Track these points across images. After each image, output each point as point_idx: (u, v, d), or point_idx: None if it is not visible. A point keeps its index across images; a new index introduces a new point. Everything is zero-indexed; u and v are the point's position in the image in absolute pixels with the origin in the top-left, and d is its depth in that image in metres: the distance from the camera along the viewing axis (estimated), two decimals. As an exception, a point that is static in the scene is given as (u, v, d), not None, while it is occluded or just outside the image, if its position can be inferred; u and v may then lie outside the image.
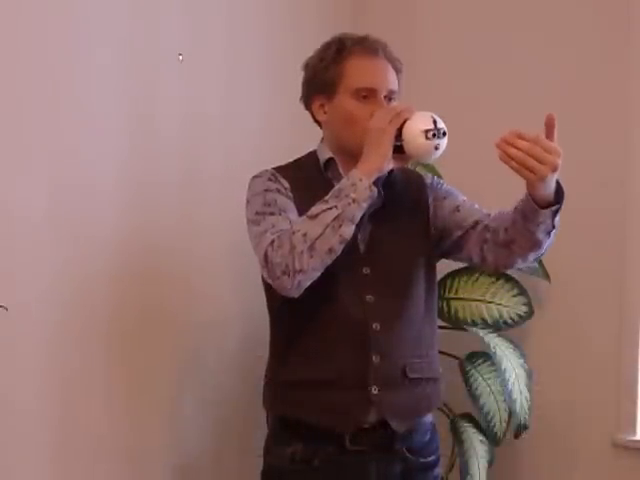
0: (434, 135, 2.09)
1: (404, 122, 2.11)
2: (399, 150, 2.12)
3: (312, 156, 2.33)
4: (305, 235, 2.06)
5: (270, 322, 2.32)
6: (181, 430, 2.77)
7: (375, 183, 2.14)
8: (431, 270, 2.32)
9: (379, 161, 2.12)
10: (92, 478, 2.47)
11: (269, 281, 2.11)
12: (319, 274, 2.10)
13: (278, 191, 2.21)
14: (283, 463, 2.24)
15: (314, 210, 2.10)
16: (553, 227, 2.08)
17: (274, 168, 2.28)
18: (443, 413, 3.10)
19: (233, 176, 2.91)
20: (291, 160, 2.34)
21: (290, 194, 2.21)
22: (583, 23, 3.24)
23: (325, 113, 2.27)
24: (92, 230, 2.45)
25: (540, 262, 3.11)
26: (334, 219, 2.07)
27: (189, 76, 2.74)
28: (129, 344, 2.57)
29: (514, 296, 3.16)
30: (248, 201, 2.24)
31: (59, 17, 2.33)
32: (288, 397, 2.24)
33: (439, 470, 2.36)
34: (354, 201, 2.08)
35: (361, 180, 2.09)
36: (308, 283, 2.09)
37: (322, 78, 2.25)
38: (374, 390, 2.19)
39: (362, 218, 2.18)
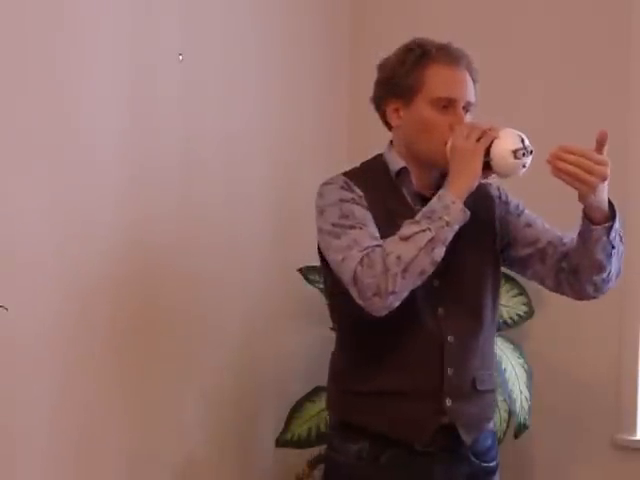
0: (523, 154, 2.10)
1: (492, 141, 2.11)
2: (485, 167, 2.13)
3: (380, 161, 2.29)
4: (399, 258, 2.04)
5: (343, 329, 2.28)
6: (182, 430, 2.77)
7: None
8: (497, 283, 2.31)
9: (470, 182, 2.12)
10: (93, 478, 2.47)
11: (359, 301, 2.07)
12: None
13: (354, 201, 2.16)
14: (349, 459, 2.23)
15: (406, 231, 2.07)
16: (612, 247, 2.14)
17: (344, 174, 2.24)
18: (443, 413, 3.10)
19: (234, 175, 2.92)
20: (357, 165, 2.30)
21: (365, 203, 2.16)
22: (584, 25, 3.25)
23: (399, 118, 2.23)
24: (93, 231, 2.45)
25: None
26: (428, 242, 2.06)
27: (189, 76, 2.74)
28: (130, 344, 2.57)
29: (514, 296, 3.16)
30: (322, 211, 2.18)
31: (59, 17, 2.33)
32: (360, 406, 2.22)
33: (498, 477, 2.37)
34: (447, 224, 2.07)
35: (454, 202, 2.08)
36: (398, 304, 2.08)
37: (401, 82, 2.21)
38: (448, 402, 2.20)
39: None
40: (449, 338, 2.21)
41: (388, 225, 2.16)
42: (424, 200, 2.23)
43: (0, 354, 2.21)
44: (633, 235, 3.18)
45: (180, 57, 2.69)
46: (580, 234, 2.16)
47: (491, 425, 2.36)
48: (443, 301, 2.20)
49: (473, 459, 2.27)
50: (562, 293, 2.33)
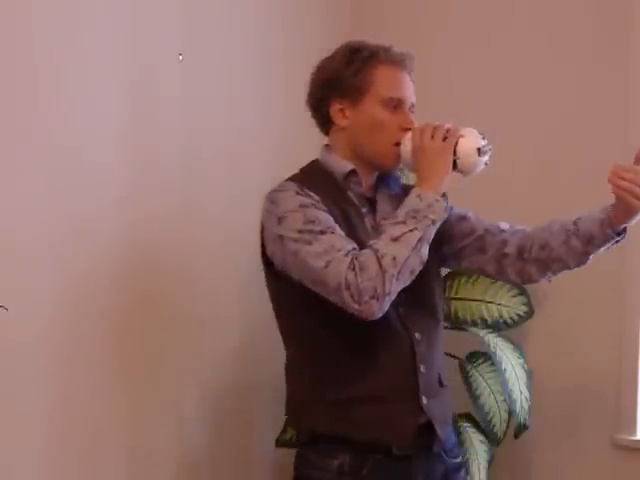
0: (485, 152, 2.16)
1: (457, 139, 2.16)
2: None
3: (318, 166, 2.29)
4: (395, 259, 2.04)
5: (308, 339, 2.25)
6: (182, 427, 2.77)
7: (391, 196, 2.24)
8: (441, 282, 2.37)
9: (444, 180, 2.15)
10: (92, 477, 2.47)
11: (352, 306, 2.04)
12: None
13: (314, 206, 2.13)
14: (330, 476, 2.20)
15: (395, 232, 2.07)
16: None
17: (293, 180, 2.22)
18: (443, 413, 3.10)
19: (234, 175, 2.92)
20: (297, 171, 2.30)
21: (324, 207, 2.15)
22: (584, 29, 3.25)
23: (346, 118, 2.24)
24: (93, 229, 2.45)
25: (540, 262, 3.11)
26: (418, 241, 2.07)
27: (189, 76, 2.74)
28: (129, 343, 2.57)
29: (514, 296, 3.16)
30: (282, 218, 2.13)
31: (60, 17, 2.33)
32: (337, 415, 2.19)
33: (463, 473, 2.40)
34: (433, 222, 2.10)
35: (437, 201, 2.11)
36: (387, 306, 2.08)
37: (348, 82, 2.21)
38: (424, 400, 2.21)
39: (378, 230, 2.20)
40: (416, 335, 2.22)
41: (347, 228, 2.16)
42: (369, 201, 2.27)
43: (0, 354, 2.21)
44: (633, 235, 3.18)
45: (180, 57, 2.69)
46: (588, 237, 2.23)
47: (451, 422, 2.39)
48: (402, 301, 2.17)
49: (445, 457, 2.28)
50: (502, 278, 2.44)
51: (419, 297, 2.22)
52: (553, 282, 3.13)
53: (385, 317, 2.13)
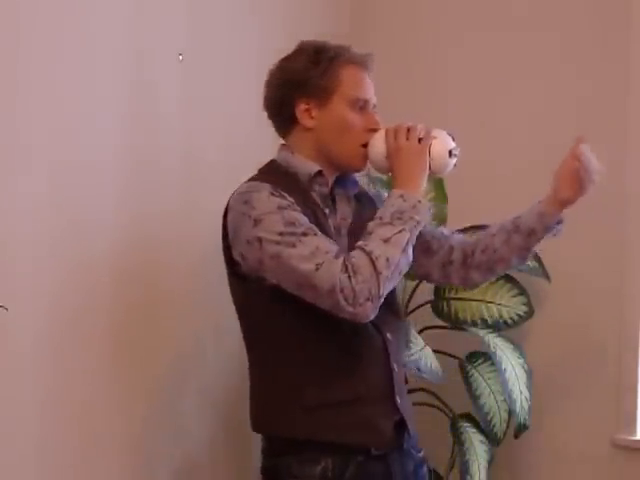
0: (455, 155, 2.19)
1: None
2: None
3: (277, 167, 2.27)
4: (388, 260, 2.03)
5: (282, 344, 2.21)
6: (181, 430, 2.77)
7: (349, 197, 2.26)
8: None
9: (423, 181, 2.17)
10: (90, 476, 2.47)
11: (348, 309, 2.02)
12: None
13: (291, 207, 2.10)
14: None
15: (384, 233, 2.06)
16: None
17: (261, 181, 2.19)
18: (443, 413, 3.10)
19: (235, 175, 2.92)
20: (256, 172, 2.28)
21: (299, 208, 2.12)
22: (583, 29, 3.25)
23: (312, 118, 2.22)
24: (93, 228, 2.45)
25: (540, 262, 3.11)
26: (407, 242, 2.07)
27: (189, 76, 2.74)
28: (129, 340, 2.57)
29: (514, 296, 3.16)
30: (259, 220, 2.08)
31: (59, 16, 2.33)
32: (321, 421, 2.16)
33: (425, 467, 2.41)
34: (418, 223, 2.10)
35: (420, 202, 2.11)
36: None
37: (315, 82, 2.20)
38: (398, 399, 2.22)
39: (339, 231, 2.22)
40: (388, 336, 2.22)
41: (318, 229, 2.13)
42: (333, 202, 2.26)
43: (0, 354, 2.21)
44: (633, 235, 3.19)
45: (180, 57, 2.69)
46: (527, 231, 2.26)
47: None
48: None
49: (413, 452, 2.29)
50: (445, 283, 2.51)
51: (385, 298, 2.17)
52: (553, 282, 3.18)
53: None
